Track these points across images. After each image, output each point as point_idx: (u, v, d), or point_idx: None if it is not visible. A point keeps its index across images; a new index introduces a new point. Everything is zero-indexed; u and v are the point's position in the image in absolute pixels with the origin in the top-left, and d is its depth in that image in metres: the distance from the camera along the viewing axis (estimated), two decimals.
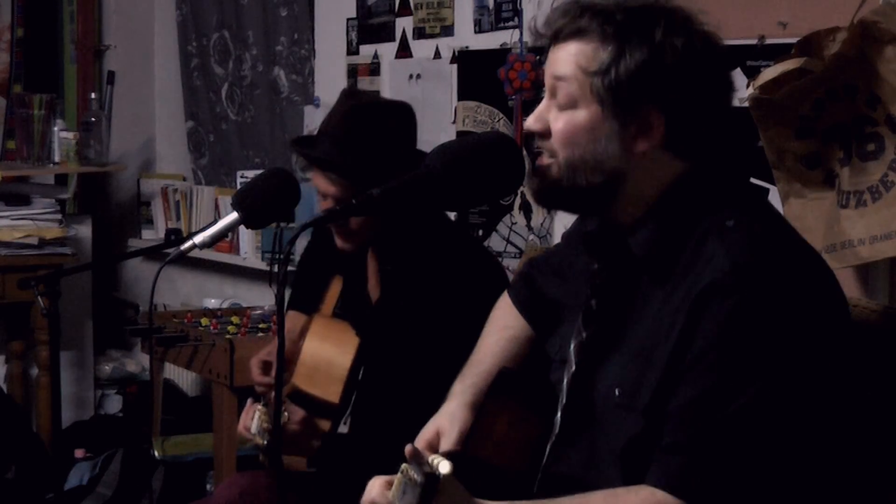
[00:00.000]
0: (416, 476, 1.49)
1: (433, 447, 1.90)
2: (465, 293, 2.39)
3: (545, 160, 1.74)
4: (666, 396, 1.64)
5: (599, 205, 1.75)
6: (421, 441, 1.91)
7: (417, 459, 1.52)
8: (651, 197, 1.72)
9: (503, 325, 2.06)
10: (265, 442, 2.41)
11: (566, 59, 1.71)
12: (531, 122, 1.76)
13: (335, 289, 2.66)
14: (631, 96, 1.67)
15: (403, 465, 1.52)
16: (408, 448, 1.56)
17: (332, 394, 2.42)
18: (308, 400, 2.42)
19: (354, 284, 2.63)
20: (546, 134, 1.74)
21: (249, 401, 2.55)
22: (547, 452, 1.82)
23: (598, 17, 1.68)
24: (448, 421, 1.91)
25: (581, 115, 1.70)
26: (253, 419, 2.45)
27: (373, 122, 2.44)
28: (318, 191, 2.49)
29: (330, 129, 2.48)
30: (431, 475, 1.49)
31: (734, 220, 1.66)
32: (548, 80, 1.75)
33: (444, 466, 1.49)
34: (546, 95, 1.75)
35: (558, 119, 1.72)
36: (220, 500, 2.56)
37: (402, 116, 2.50)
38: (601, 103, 1.68)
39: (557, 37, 1.72)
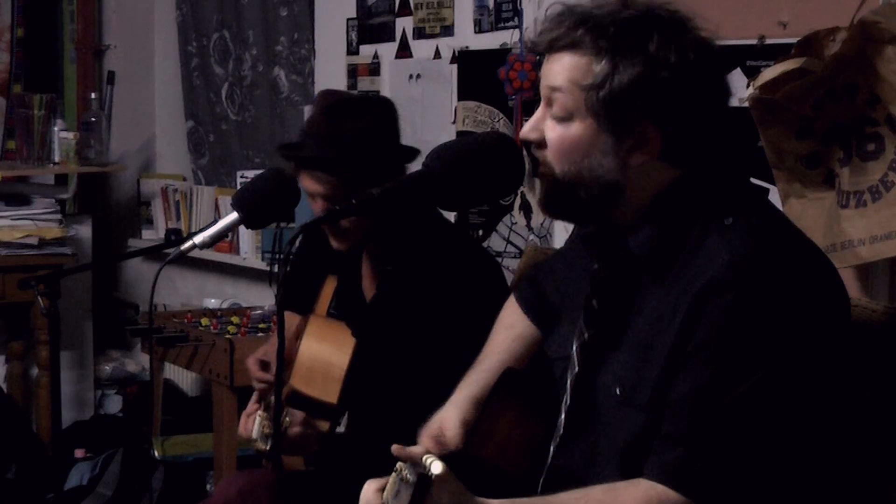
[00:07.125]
0: (409, 476, 1.50)
1: (438, 441, 1.91)
2: (461, 292, 2.40)
3: (546, 169, 1.74)
4: (666, 391, 1.64)
5: (599, 215, 1.76)
6: (425, 435, 1.92)
7: (411, 459, 1.52)
8: (647, 201, 1.73)
9: (510, 324, 2.07)
10: (267, 447, 2.41)
11: (560, 71, 1.71)
12: (527, 131, 1.75)
13: (329, 288, 2.66)
14: (625, 111, 1.67)
15: (399, 464, 1.53)
16: (394, 447, 1.57)
17: (331, 394, 2.42)
18: (306, 401, 2.42)
19: (349, 284, 2.63)
20: (542, 144, 1.74)
21: (253, 399, 2.56)
22: (552, 452, 1.82)
23: (591, 31, 1.68)
24: (451, 415, 1.92)
25: (575, 128, 1.70)
26: (254, 424, 2.45)
27: (352, 118, 2.45)
28: (307, 193, 2.50)
29: (312, 129, 2.50)
30: (424, 476, 1.49)
31: (732, 217, 1.67)
32: (543, 90, 1.75)
33: (437, 467, 1.50)
34: (542, 104, 1.75)
35: (553, 130, 1.72)
36: (220, 500, 2.56)
37: (380, 110, 2.52)
38: (596, 117, 1.68)
39: (552, 47, 1.72)
